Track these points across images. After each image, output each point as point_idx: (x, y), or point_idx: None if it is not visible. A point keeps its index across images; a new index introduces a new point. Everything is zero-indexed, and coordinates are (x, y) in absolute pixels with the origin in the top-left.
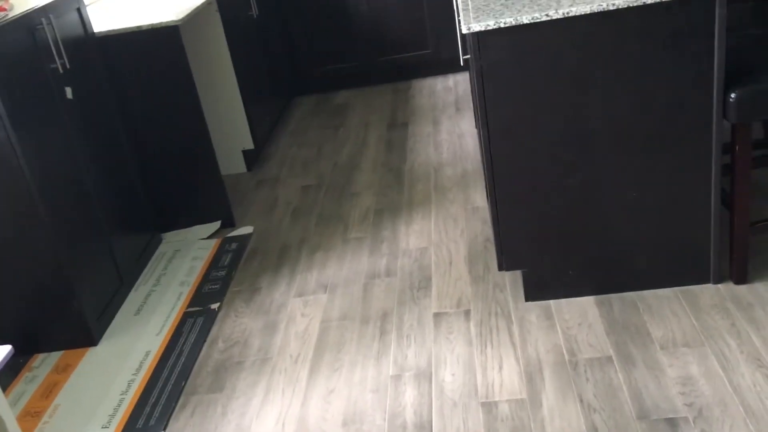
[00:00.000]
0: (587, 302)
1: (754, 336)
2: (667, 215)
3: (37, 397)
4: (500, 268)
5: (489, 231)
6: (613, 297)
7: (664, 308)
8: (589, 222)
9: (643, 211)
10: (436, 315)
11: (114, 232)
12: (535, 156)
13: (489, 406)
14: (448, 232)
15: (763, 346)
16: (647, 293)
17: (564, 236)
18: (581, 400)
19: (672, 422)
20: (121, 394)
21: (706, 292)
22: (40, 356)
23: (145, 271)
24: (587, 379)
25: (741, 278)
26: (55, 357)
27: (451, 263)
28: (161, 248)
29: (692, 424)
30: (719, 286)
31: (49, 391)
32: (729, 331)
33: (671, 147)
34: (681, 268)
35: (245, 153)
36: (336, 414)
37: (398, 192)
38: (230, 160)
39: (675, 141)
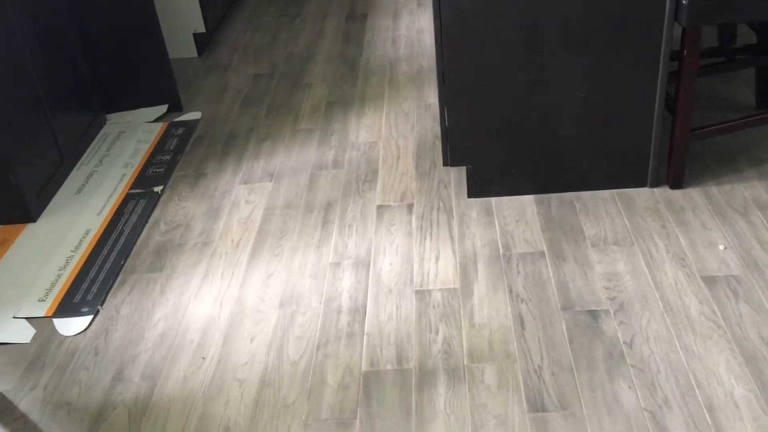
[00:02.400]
0: (527, 200)
1: (681, 238)
2: (611, 118)
3: None
4: (445, 163)
5: (439, 128)
6: (553, 196)
7: (600, 209)
8: (535, 121)
9: (589, 112)
10: (380, 207)
11: (55, 111)
12: (485, 51)
13: (422, 294)
14: (399, 127)
15: (689, 247)
16: (586, 194)
17: (509, 134)
18: (510, 291)
19: (594, 314)
20: (59, 270)
21: (643, 195)
22: None
23: (88, 151)
24: (518, 272)
25: (677, 183)
26: None
27: (398, 158)
28: (105, 129)
29: (612, 316)
30: (655, 190)
31: None
32: (659, 232)
33: (621, 49)
34: (620, 171)
35: (196, 36)
36: (273, 296)
37: (352, 85)
38: (180, 43)
39: (625, 43)
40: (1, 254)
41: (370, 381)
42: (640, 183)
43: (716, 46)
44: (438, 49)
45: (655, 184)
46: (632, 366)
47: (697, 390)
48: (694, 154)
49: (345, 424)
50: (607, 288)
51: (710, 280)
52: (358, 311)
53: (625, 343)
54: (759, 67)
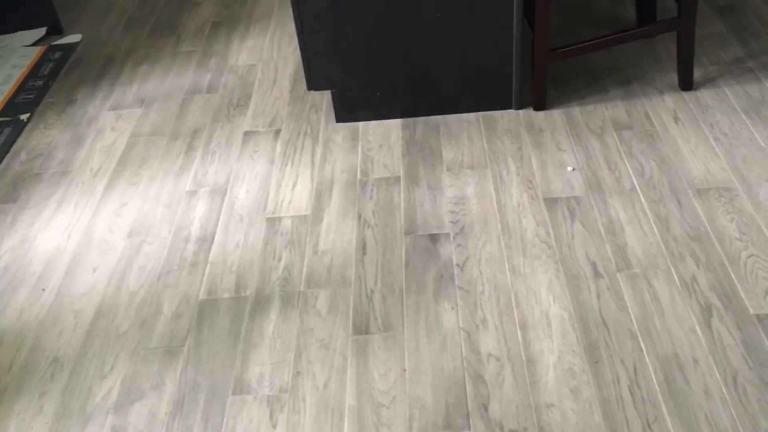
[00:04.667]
0: (394, 125)
1: (534, 160)
2: (472, 40)
3: None
4: (309, 87)
5: None
6: (420, 120)
7: (463, 132)
8: (395, 43)
9: (449, 33)
10: (247, 133)
11: None
12: None
13: (273, 222)
14: (281, 49)
15: (539, 169)
16: (452, 117)
17: (371, 57)
18: (359, 217)
19: (434, 237)
20: None
21: (506, 117)
22: None
23: None
24: (371, 198)
25: (540, 105)
26: None
27: (275, 82)
28: None
29: (451, 239)
30: (520, 112)
31: None
32: (513, 155)
33: None
34: (486, 94)
35: None
36: (124, 226)
37: (241, 4)
38: None
39: None
40: None
41: (205, 310)
42: (505, 105)
43: None
44: None
45: (520, 106)
46: (459, 288)
47: (515, 309)
48: (564, 73)
49: (172, 352)
50: (452, 212)
51: (551, 202)
52: (206, 240)
53: (457, 265)
54: None
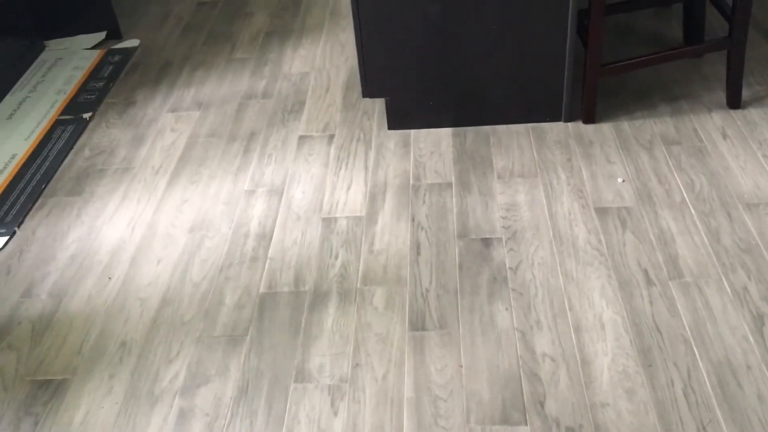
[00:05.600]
0: (444, 133)
1: (584, 171)
2: (525, 53)
3: None
4: (364, 94)
5: None
6: (470, 129)
7: (513, 142)
8: (450, 53)
9: (502, 46)
10: (301, 137)
11: None
12: None
13: (329, 221)
14: (333, 58)
15: (590, 179)
16: (501, 127)
17: (425, 66)
18: (413, 220)
19: (486, 241)
20: None
21: (555, 129)
22: None
23: (24, 77)
24: (424, 202)
25: (589, 118)
26: None
27: (328, 89)
28: (43, 56)
29: (504, 243)
30: (569, 124)
31: None
32: (564, 165)
33: None
34: (536, 106)
35: None
36: (185, 221)
37: (293, 15)
38: None
39: None
40: None
41: (266, 302)
42: (554, 117)
43: None
44: None
45: (570, 118)
46: (513, 290)
47: (568, 312)
48: (613, 88)
49: (236, 340)
50: (504, 218)
51: (602, 211)
52: (265, 237)
53: (510, 268)
54: (686, 2)
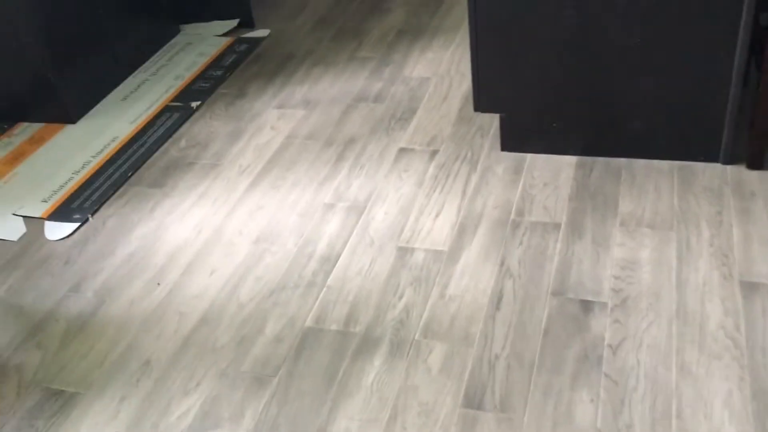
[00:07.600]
0: (567, 162)
1: (736, 229)
2: (678, 74)
3: (4, 161)
4: (476, 108)
5: None
6: (600, 161)
7: (650, 182)
8: (582, 67)
9: (649, 64)
10: (401, 150)
11: (114, 16)
12: None
13: (404, 252)
14: (461, 65)
15: (741, 242)
16: (640, 162)
17: (550, 80)
18: (502, 264)
19: (586, 305)
20: (73, 173)
21: (709, 171)
22: (23, 125)
23: (151, 59)
24: (520, 243)
25: (756, 163)
26: (35, 128)
27: (445, 98)
28: (176, 39)
29: (608, 311)
30: (728, 167)
31: (15, 158)
32: (710, 219)
33: None
34: (687, 140)
35: None
36: (253, 230)
37: (431, 14)
38: None
39: None
40: (33, 151)
41: (308, 339)
42: (710, 157)
43: None
44: None
45: (730, 161)
46: (606, 376)
47: (674, 420)
48: None
49: (262, 380)
50: (616, 277)
51: (750, 287)
52: (330, 260)
53: (609, 346)
54: None
